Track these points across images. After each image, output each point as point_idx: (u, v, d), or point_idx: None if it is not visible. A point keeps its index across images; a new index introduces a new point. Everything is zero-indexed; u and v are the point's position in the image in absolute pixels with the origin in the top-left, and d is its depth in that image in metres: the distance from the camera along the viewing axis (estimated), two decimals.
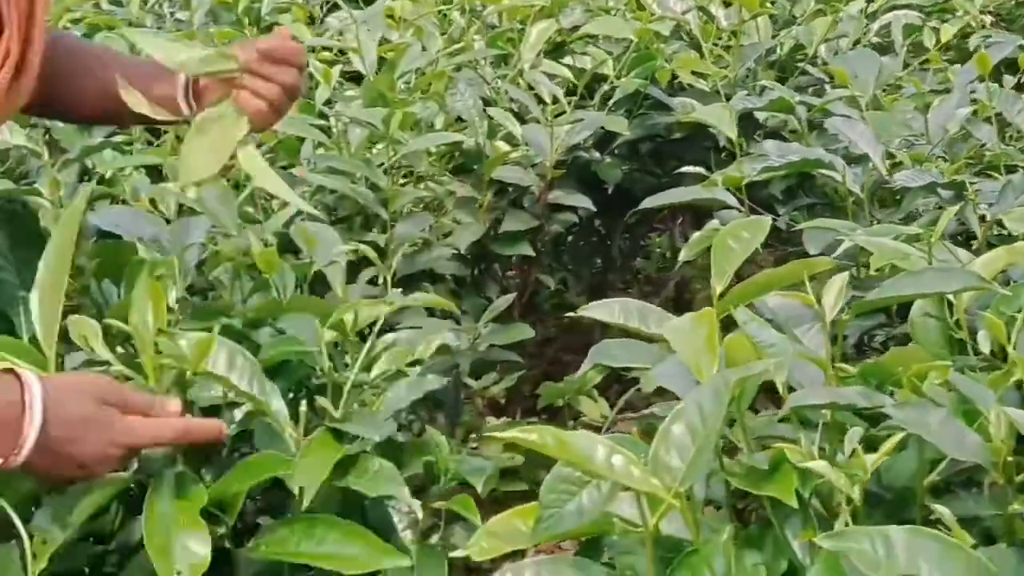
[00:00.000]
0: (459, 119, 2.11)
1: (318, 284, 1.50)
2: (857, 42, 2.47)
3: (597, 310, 1.31)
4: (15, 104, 1.25)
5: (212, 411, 1.17)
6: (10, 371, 1.02)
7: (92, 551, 1.13)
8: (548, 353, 3.01)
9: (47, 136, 2.10)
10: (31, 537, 0.98)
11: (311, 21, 2.79)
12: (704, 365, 1.04)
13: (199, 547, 1.00)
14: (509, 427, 2.50)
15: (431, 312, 1.81)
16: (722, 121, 1.78)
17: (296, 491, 1.12)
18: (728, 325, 1.15)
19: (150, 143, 2.19)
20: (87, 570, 1.15)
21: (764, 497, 1.00)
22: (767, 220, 1.29)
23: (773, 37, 2.32)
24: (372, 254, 1.57)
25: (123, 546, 1.15)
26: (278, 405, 1.14)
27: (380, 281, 1.66)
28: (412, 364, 1.35)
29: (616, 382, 2.83)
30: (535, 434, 0.93)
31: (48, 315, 1.10)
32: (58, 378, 1.07)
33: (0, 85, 1.19)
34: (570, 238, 2.64)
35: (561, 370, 2.93)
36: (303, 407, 1.15)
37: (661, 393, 2.65)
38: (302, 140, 1.98)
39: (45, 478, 1.04)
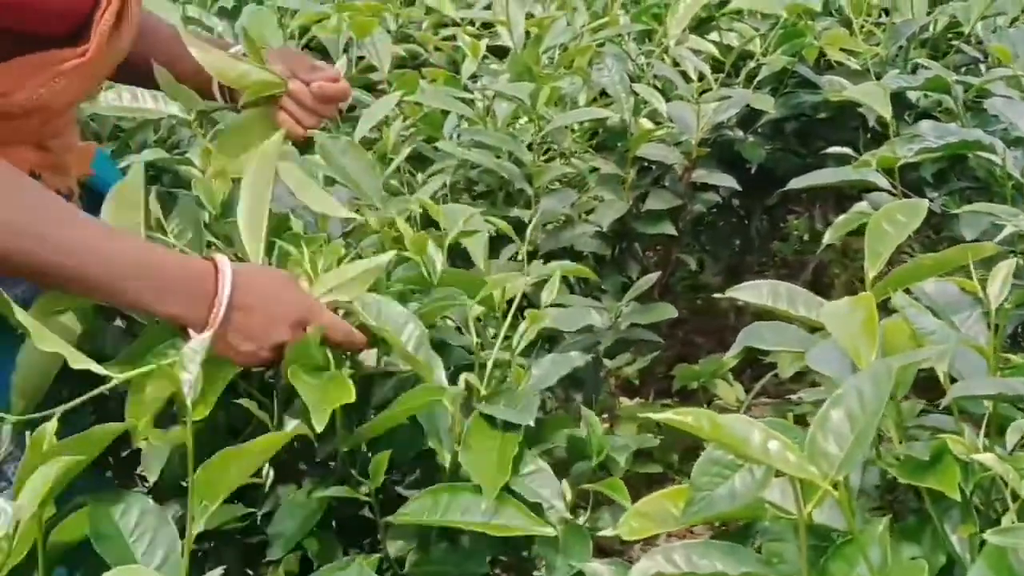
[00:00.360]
0: (602, 95, 2.09)
1: (458, 259, 1.50)
2: (1015, 20, 2.38)
3: (745, 292, 1.29)
4: (117, 53, 1.26)
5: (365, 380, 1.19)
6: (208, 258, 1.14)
7: (241, 513, 1.15)
8: (680, 335, 2.99)
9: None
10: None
11: None
12: (863, 350, 1.01)
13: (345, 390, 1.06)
14: (643, 408, 2.49)
15: (571, 290, 1.81)
16: (875, 100, 1.73)
17: (447, 463, 1.14)
18: (881, 310, 1.12)
19: None
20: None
21: (923, 489, 0.97)
22: (924, 203, 1.25)
23: (928, 14, 2.25)
24: (508, 229, 1.56)
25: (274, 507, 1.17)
26: (439, 375, 1.15)
27: (519, 257, 1.66)
28: (551, 341, 1.35)
29: (749, 366, 2.80)
30: (690, 416, 0.91)
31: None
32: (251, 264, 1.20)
33: (103, 30, 1.20)
34: (708, 218, 2.61)
35: (694, 352, 2.91)
36: (461, 383, 1.15)
37: (798, 379, 2.62)
38: (446, 114, 1.98)
39: (234, 350, 1.12)
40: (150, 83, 1.47)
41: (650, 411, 0.94)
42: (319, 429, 1.02)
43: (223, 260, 1.13)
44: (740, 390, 2.59)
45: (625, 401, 2.67)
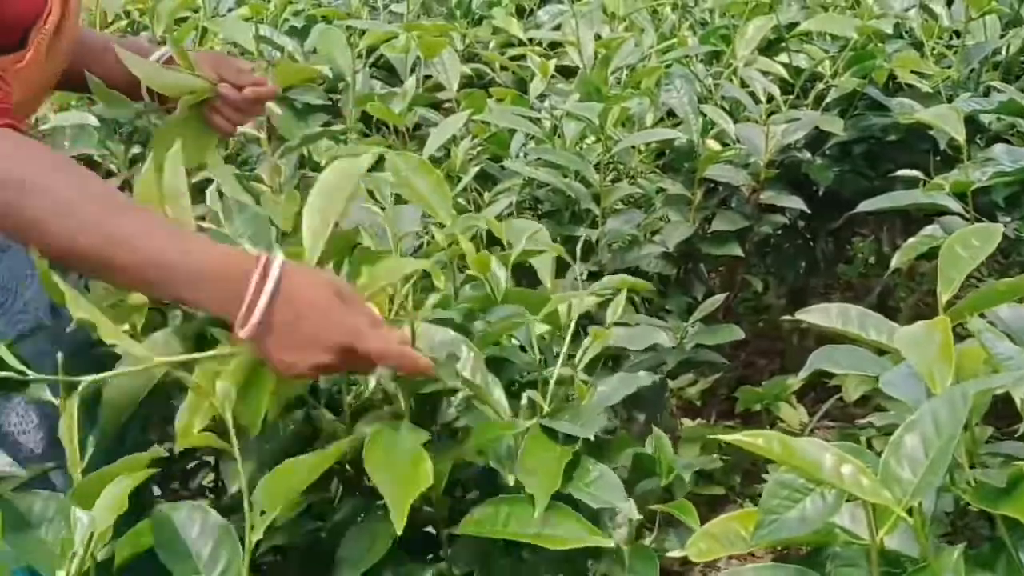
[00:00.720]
0: (669, 115, 2.09)
1: (523, 277, 1.50)
2: None
3: (814, 314, 1.28)
4: (55, 63, 1.29)
5: (431, 398, 1.19)
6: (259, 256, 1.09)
7: (310, 527, 1.15)
8: (742, 356, 2.97)
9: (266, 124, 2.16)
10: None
11: (520, 14, 2.81)
12: (938, 375, 1.00)
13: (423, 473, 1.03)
14: (706, 430, 2.48)
15: (636, 309, 1.81)
16: (948, 122, 1.71)
17: (510, 480, 1.14)
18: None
19: (365, 134, 2.24)
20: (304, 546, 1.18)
21: (997, 516, 0.96)
22: (999, 228, 1.23)
23: (1000, 37, 2.22)
24: (559, 250, 1.55)
25: (340, 523, 1.17)
26: (499, 395, 1.15)
27: (578, 277, 1.66)
28: (615, 360, 1.35)
29: (813, 389, 2.78)
30: (760, 438, 0.90)
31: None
32: (303, 266, 1.13)
33: (41, 39, 1.23)
34: (774, 240, 2.59)
35: (755, 374, 2.89)
36: (524, 400, 1.15)
37: (862, 403, 2.59)
38: (512, 133, 1.99)
39: (270, 357, 1.07)
40: (87, 91, 1.52)
41: (715, 433, 0.93)
42: (399, 528, 0.99)
43: (276, 259, 1.08)
44: (803, 413, 2.57)
45: (687, 422, 2.66)
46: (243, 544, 0.93)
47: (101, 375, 1.03)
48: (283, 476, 0.98)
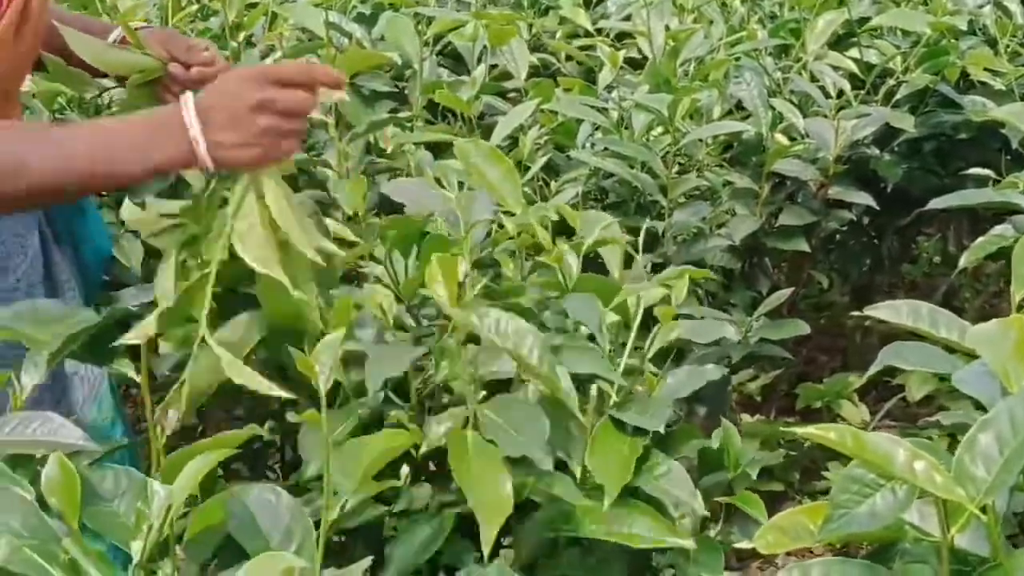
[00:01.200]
0: (737, 107, 2.08)
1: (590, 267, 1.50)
2: None
3: (883, 310, 1.27)
4: (24, 55, 1.33)
5: (503, 386, 1.19)
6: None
7: (377, 512, 1.16)
8: (803, 352, 2.95)
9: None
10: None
11: (586, 4, 2.80)
12: (1014, 373, 0.99)
13: (504, 489, 1.03)
14: (765, 426, 2.46)
15: (700, 303, 1.80)
16: (1022, 121, 1.69)
17: (577, 471, 1.14)
18: None
19: (430, 122, 2.25)
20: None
21: None
22: None
23: None
24: (624, 243, 1.55)
25: (408, 508, 1.18)
26: (567, 384, 1.15)
27: (644, 268, 1.65)
28: (679, 354, 1.34)
29: (874, 388, 2.76)
30: (833, 432, 0.90)
31: None
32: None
33: (7, 30, 1.26)
34: (838, 236, 2.57)
35: (816, 371, 2.87)
36: (593, 390, 1.15)
37: (925, 403, 2.57)
38: (579, 123, 1.99)
39: (234, 160, 1.16)
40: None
41: (812, 427, 0.93)
42: (487, 551, 1.00)
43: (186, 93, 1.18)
44: (865, 411, 2.55)
45: (746, 418, 2.65)
46: (317, 525, 0.94)
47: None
48: (356, 457, 0.98)
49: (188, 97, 1.17)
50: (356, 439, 1.04)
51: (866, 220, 2.53)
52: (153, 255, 2.10)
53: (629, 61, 2.37)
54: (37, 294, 1.37)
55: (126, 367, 1.13)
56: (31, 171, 1.17)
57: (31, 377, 1.13)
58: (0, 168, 1.16)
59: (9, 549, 0.79)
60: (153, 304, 1.17)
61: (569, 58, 2.56)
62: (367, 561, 0.80)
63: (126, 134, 1.19)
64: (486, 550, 1.00)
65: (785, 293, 1.74)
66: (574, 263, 1.35)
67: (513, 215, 1.42)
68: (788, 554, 2.39)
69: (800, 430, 0.91)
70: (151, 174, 1.21)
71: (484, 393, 1.16)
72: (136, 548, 0.90)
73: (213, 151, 1.15)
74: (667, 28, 2.14)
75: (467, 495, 1.03)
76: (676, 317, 1.29)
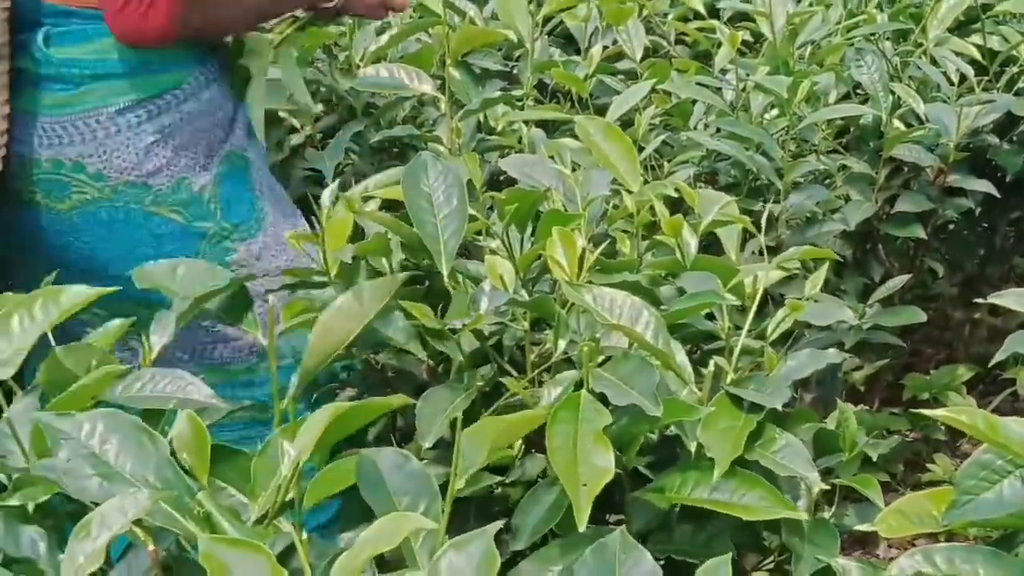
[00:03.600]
0: (855, 90, 2.05)
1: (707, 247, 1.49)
2: None
3: (1010, 298, 1.24)
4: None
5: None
6: None
7: (491, 481, 1.17)
8: (909, 344, 2.90)
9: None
10: None
11: None
12: None
13: (603, 461, 1.01)
14: (870, 415, 2.44)
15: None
16: None
17: (691, 447, 1.14)
18: None
19: (539, 101, 2.25)
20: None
21: None
22: None
23: None
24: (745, 221, 1.54)
25: (520, 479, 1.19)
26: (682, 359, 1.15)
27: (761, 249, 1.64)
28: (787, 336, 1.33)
29: (981, 382, 2.71)
30: (964, 414, 0.89)
31: None
32: None
33: None
34: (951, 226, 2.53)
35: (922, 363, 2.82)
36: (711, 366, 1.15)
37: None
38: (694, 103, 1.98)
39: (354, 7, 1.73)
40: None
41: (944, 409, 0.92)
42: (581, 526, 0.98)
43: None
44: (974, 404, 2.50)
45: (850, 407, 2.62)
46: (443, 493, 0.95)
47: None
48: (483, 433, 0.99)
49: None
50: (487, 419, 1.05)
51: (980, 210, 2.48)
52: None
53: (743, 43, 2.35)
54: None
55: (253, 327, 1.16)
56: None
57: (159, 337, 1.16)
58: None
59: (148, 501, 0.81)
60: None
61: (680, 41, 2.55)
62: (497, 525, 0.80)
63: None
64: (580, 525, 0.98)
65: (903, 279, 1.72)
66: (692, 242, 1.35)
67: (631, 192, 1.42)
68: (890, 545, 2.37)
69: (933, 412, 0.90)
70: (308, 6, 1.69)
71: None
72: (261, 504, 0.93)
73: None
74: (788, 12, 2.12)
75: (555, 463, 1.02)
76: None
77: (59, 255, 1.54)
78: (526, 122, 2.13)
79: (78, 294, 1.04)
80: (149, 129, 1.54)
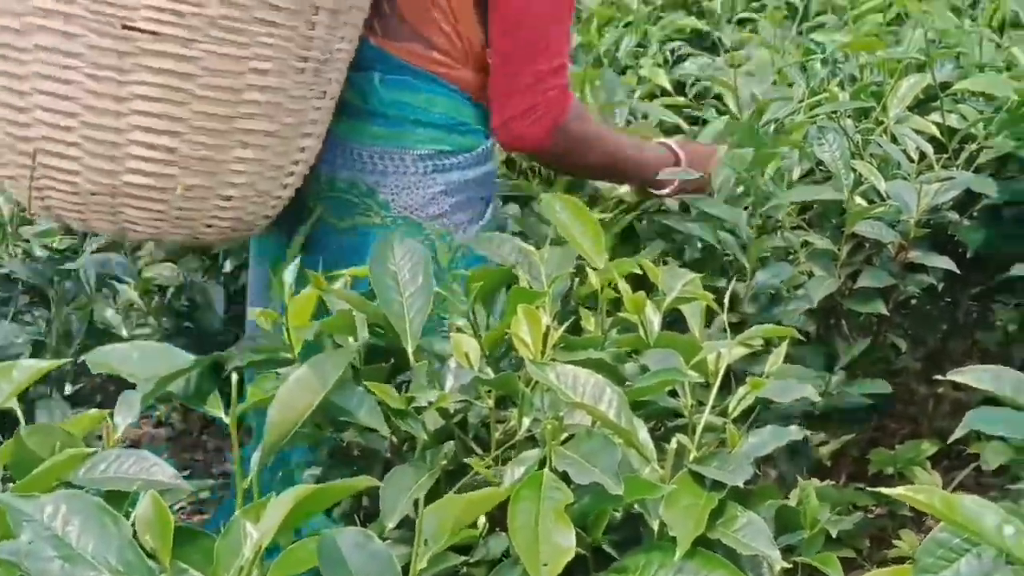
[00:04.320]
0: (818, 167, 2.08)
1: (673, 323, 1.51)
2: None
3: (967, 375, 1.26)
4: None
5: None
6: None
7: (455, 561, 1.17)
8: (874, 419, 2.92)
9: None
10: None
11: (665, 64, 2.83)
12: None
13: (564, 540, 1.01)
14: (836, 491, 2.44)
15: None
16: None
17: (654, 525, 1.14)
18: None
19: (507, 176, 2.27)
20: None
21: None
22: None
23: None
24: (709, 300, 1.56)
25: (484, 559, 1.18)
26: (644, 437, 1.15)
27: (726, 327, 1.65)
28: (752, 411, 1.34)
29: (946, 457, 2.72)
30: (922, 493, 0.90)
31: None
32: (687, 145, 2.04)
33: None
34: (914, 301, 2.55)
35: (887, 438, 2.84)
36: (673, 444, 1.16)
37: (1000, 473, 2.53)
38: None
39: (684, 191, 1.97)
40: None
41: (902, 488, 0.93)
42: None
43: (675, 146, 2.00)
44: (938, 479, 2.52)
45: (815, 482, 2.62)
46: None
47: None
48: (446, 511, 1.00)
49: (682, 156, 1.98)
50: (449, 497, 1.05)
51: (943, 286, 2.51)
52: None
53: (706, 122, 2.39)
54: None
55: (216, 409, 1.16)
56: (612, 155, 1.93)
57: (124, 418, 1.16)
58: (600, 145, 1.89)
59: None
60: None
61: (646, 116, 2.58)
62: None
63: (650, 160, 1.95)
64: None
65: (865, 343, 1.74)
66: (655, 319, 1.36)
67: (596, 269, 1.44)
68: None
69: (891, 491, 0.90)
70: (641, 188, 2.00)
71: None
72: None
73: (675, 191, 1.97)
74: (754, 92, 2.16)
75: (515, 541, 1.02)
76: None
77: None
78: None
79: (29, 368, 1.05)
80: (439, 180, 1.81)
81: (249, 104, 1.59)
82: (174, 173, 1.58)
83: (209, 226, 1.65)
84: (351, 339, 1.30)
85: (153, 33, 1.51)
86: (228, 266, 2.27)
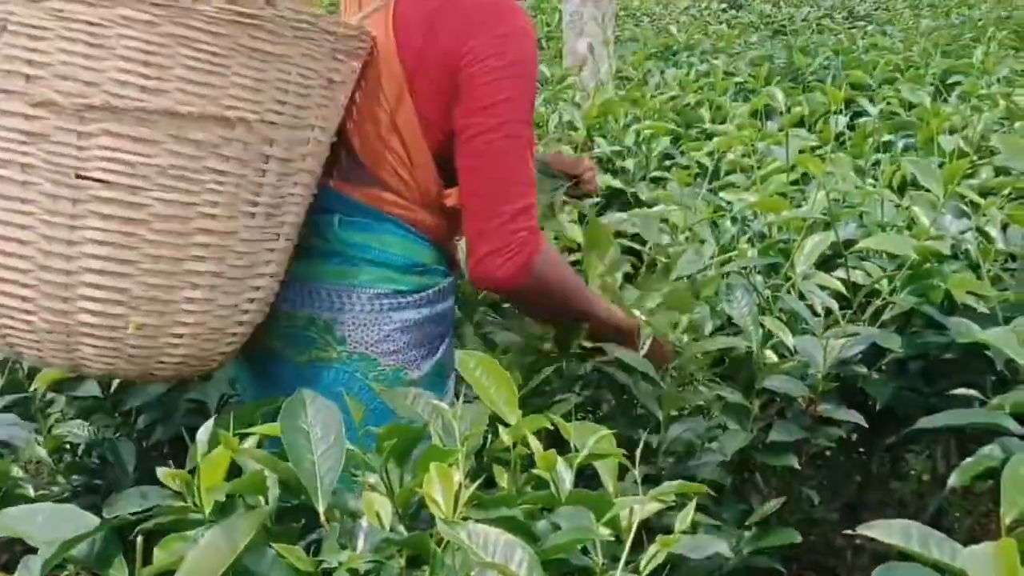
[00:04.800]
0: (730, 322, 2.12)
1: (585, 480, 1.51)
2: None
3: (875, 529, 1.27)
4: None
5: None
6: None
7: None
8: (794, 569, 2.92)
9: None
10: None
11: (580, 219, 2.88)
12: None
13: None
14: None
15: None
16: (1007, 344, 1.73)
17: None
18: None
19: None
20: None
21: None
22: None
23: None
24: (620, 457, 1.56)
25: None
26: None
27: (637, 481, 1.66)
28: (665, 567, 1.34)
29: None
30: None
31: None
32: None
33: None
34: (828, 453, 2.59)
35: None
36: None
37: None
38: None
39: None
40: None
41: None
42: None
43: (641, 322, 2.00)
44: None
45: None
46: None
47: None
48: None
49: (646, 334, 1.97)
50: None
51: (855, 437, 2.55)
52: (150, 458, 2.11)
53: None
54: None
55: (121, 573, 1.13)
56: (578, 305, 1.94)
57: None
58: (566, 289, 1.90)
59: None
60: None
61: None
62: None
63: (613, 326, 1.96)
64: None
65: (777, 502, 1.75)
66: (567, 476, 1.36)
67: (508, 426, 1.44)
68: None
69: None
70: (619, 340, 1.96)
71: None
72: None
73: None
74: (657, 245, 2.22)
75: None
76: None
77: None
78: None
79: None
80: (395, 317, 1.86)
81: (198, 247, 1.65)
82: (125, 312, 1.63)
83: (162, 362, 1.69)
84: (262, 499, 1.28)
85: (104, 182, 1.58)
86: (141, 423, 2.23)
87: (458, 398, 1.75)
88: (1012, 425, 1.71)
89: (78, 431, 2.17)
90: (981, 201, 2.45)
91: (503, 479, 1.45)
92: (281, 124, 1.68)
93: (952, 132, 3.19)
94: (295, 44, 1.65)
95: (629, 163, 3.20)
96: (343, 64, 1.75)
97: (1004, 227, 2.42)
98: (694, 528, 1.55)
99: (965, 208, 2.45)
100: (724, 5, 11.05)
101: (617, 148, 3.23)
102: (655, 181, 3.23)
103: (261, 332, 1.83)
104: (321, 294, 1.87)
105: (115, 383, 2.17)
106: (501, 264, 1.80)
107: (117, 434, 2.21)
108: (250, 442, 1.35)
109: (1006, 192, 2.66)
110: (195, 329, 1.69)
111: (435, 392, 1.79)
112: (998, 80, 4.37)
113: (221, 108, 1.61)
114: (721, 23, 8.72)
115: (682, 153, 3.36)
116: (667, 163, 3.41)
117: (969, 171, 2.75)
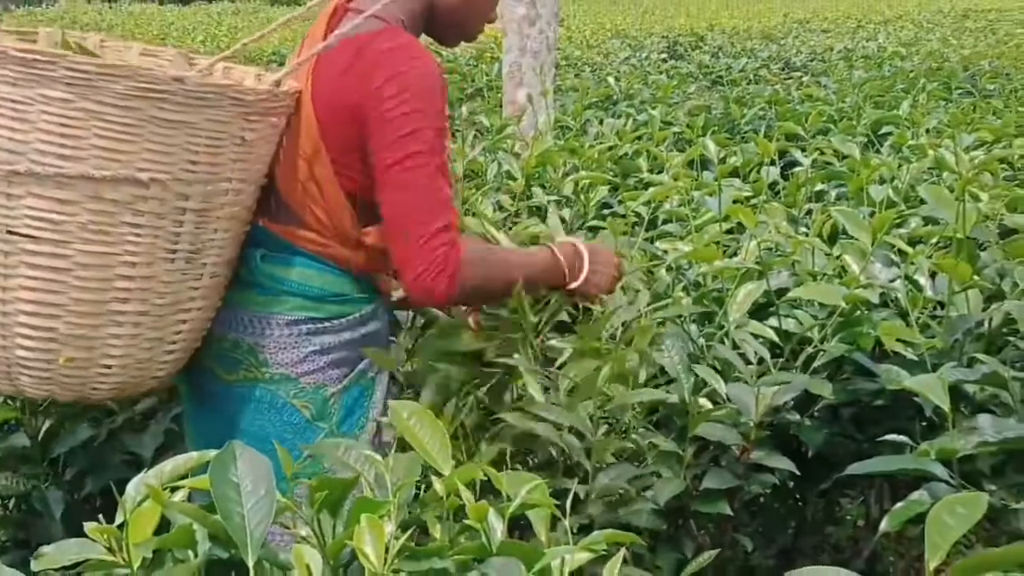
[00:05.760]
0: (661, 371, 2.14)
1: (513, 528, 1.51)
2: None
3: None
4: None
5: None
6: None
7: None
8: None
9: None
10: None
11: None
12: None
13: None
14: None
15: (625, 563, 1.80)
16: (934, 391, 1.77)
17: None
18: None
19: None
20: None
21: None
22: (984, 496, 1.27)
23: (983, 310, 2.30)
24: (551, 507, 1.56)
25: None
26: None
27: (568, 530, 1.66)
28: None
29: None
30: None
31: None
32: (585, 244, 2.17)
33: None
34: (762, 499, 2.60)
35: None
36: None
37: None
38: None
39: (589, 291, 2.13)
40: None
41: None
42: None
43: (580, 242, 2.16)
44: None
45: None
46: None
47: None
48: None
49: (585, 256, 2.12)
50: None
51: (790, 483, 2.57)
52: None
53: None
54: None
55: None
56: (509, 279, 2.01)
57: None
58: (495, 275, 2.00)
59: None
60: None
61: None
62: None
63: (548, 271, 2.09)
64: None
65: (712, 554, 1.76)
66: (499, 526, 1.37)
67: (441, 476, 1.44)
68: None
69: None
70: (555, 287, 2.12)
71: None
72: None
73: (582, 287, 2.11)
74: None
75: None
76: None
77: (209, 417, 2.08)
78: None
79: None
80: (313, 341, 2.02)
81: (120, 291, 1.85)
82: (56, 348, 1.84)
83: (96, 388, 1.90)
84: (191, 552, 1.27)
85: (32, 237, 1.79)
86: (69, 474, 2.21)
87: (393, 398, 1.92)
88: (939, 470, 1.74)
89: (4, 482, 2.15)
90: (910, 250, 2.49)
91: (436, 530, 1.45)
92: (195, 181, 1.86)
93: (882, 182, 3.25)
94: (200, 111, 1.82)
95: (567, 213, 3.22)
96: (258, 123, 1.92)
97: (932, 275, 2.47)
98: None
99: (894, 257, 2.50)
100: (664, 55, 11.18)
101: (555, 198, 3.25)
102: (592, 230, 3.25)
103: (198, 353, 2.04)
104: (244, 320, 2.04)
105: (42, 430, 2.28)
106: (430, 283, 1.91)
107: (46, 484, 2.18)
108: (179, 495, 1.34)
109: (934, 241, 2.71)
110: (123, 360, 1.89)
111: (361, 401, 2.07)
112: (927, 131, 4.45)
113: (134, 171, 1.79)
114: (661, 73, 8.80)
115: (620, 203, 3.39)
116: (605, 212, 3.43)
117: (898, 220, 2.79)
